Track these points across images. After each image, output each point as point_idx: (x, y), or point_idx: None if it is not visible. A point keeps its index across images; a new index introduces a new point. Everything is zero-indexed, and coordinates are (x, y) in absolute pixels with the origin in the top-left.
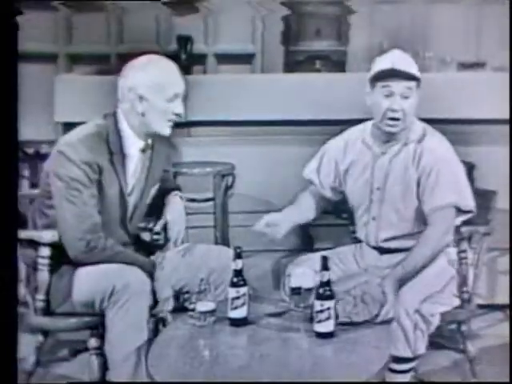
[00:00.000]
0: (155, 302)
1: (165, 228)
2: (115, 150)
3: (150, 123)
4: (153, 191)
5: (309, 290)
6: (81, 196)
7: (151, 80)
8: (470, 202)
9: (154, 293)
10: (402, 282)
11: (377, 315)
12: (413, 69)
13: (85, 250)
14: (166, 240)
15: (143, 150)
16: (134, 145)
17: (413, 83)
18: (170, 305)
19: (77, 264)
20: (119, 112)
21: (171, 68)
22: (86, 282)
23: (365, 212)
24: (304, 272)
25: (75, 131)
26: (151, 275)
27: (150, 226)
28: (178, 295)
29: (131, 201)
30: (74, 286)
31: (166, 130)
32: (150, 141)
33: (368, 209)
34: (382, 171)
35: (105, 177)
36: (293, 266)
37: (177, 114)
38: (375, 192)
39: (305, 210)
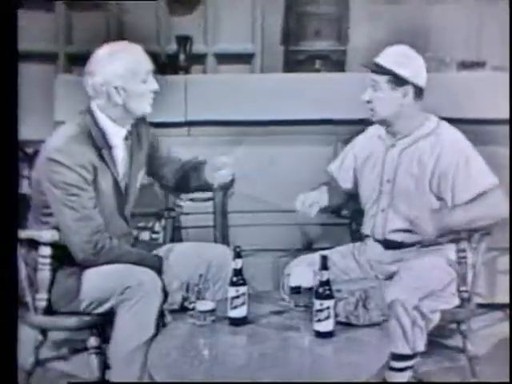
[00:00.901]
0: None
1: (164, 227)
2: (102, 145)
3: (132, 109)
4: (140, 176)
5: (308, 289)
6: (79, 200)
7: (123, 70)
8: None
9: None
10: (441, 232)
11: (377, 323)
12: (398, 67)
13: (93, 252)
14: (165, 240)
15: (126, 138)
16: (117, 135)
17: (382, 78)
18: (179, 298)
19: (83, 265)
20: (93, 107)
21: (135, 49)
22: (97, 281)
23: (374, 204)
24: (303, 271)
25: (58, 136)
26: (159, 271)
27: (150, 225)
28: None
29: (123, 188)
30: (83, 285)
31: (148, 109)
32: (130, 127)
33: (377, 201)
34: (393, 163)
35: (99, 174)
36: (292, 265)
37: (154, 91)
38: (385, 184)
39: (332, 195)
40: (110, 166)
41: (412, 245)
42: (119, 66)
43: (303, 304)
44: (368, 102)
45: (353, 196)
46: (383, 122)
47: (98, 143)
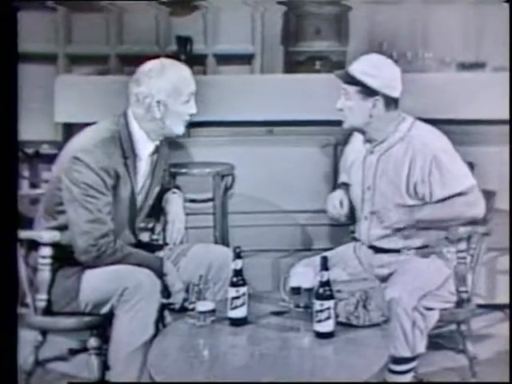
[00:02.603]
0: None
1: (164, 228)
2: (128, 154)
3: (167, 126)
4: (155, 192)
5: (309, 289)
6: (96, 202)
7: (169, 85)
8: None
9: (163, 291)
10: (408, 224)
11: (377, 324)
12: (367, 77)
13: (96, 255)
14: (166, 240)
15: (152, 153)
16: (144, 147)
17: (353, 87)
18: (182, 297)
19: (84, 265)
20: (130, 114)
21: (184, 70)
22: (97, 282)
23: (359, 211)
24: (304, 272)
25: (87, 136)
26: (160, 272)
27: (150, 226)
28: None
29: (138, 202)
30: (82, 286)
31: (182, 130)
32: (158, 143)
33: (361, 208)
34: (371, 170)
35: (119, 182)
36: (296, 268)
37: (190, 114)
38: (366, 191)
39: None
40: (132, 176)
41: (398, 250)
42: (167, 81)
43: (303, 305)
44: (340, 109)
45: None
46: (355, 130)
47: (126, 151)
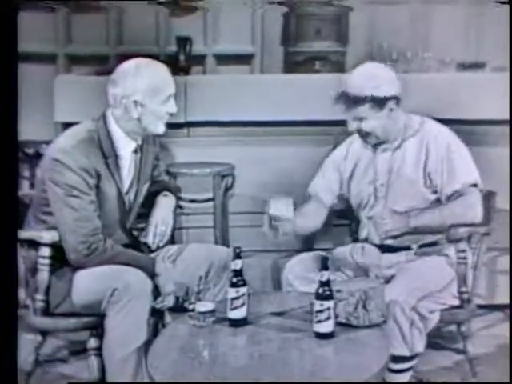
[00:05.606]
0: (156, 298)
1: (146, 230)
2: (108, 154)
3: (146, 126)
4: (145, 189)
5: (288, 220)
6: (80, 201)
7: (145, 86)
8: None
9: (154, 291)
10: (406, 231)
11: (377, 324)
12: (374, 90)
13: (87, 253)
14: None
15: (135, 151)
16: (126, 146)
17: (363, 108)
18: (171, 301)
19: (75, 266)
20: (109, 115)
21: (163, 70)
22: (87, 283)
23: (369, 209)
24: (283, 202)
25: (66, 137)
26: (152, 273)
27: (141, 226)
28: (177, 297)
29: (127, 201)
30: (74, 287)
31: (161, 130)
32: (140, 141)
33: (372, 206)
34: (385, 167)
35: (103, 181)
36: (290, 264)
37: (170, 114)
38: (379, 188)
39: (309, 220)
40: (115, 176)
41: (408, 248)
42: (143, 81)
43: (282, 233)
44: (357, 132)
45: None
46: (377, 138)
47: (106, 151)
